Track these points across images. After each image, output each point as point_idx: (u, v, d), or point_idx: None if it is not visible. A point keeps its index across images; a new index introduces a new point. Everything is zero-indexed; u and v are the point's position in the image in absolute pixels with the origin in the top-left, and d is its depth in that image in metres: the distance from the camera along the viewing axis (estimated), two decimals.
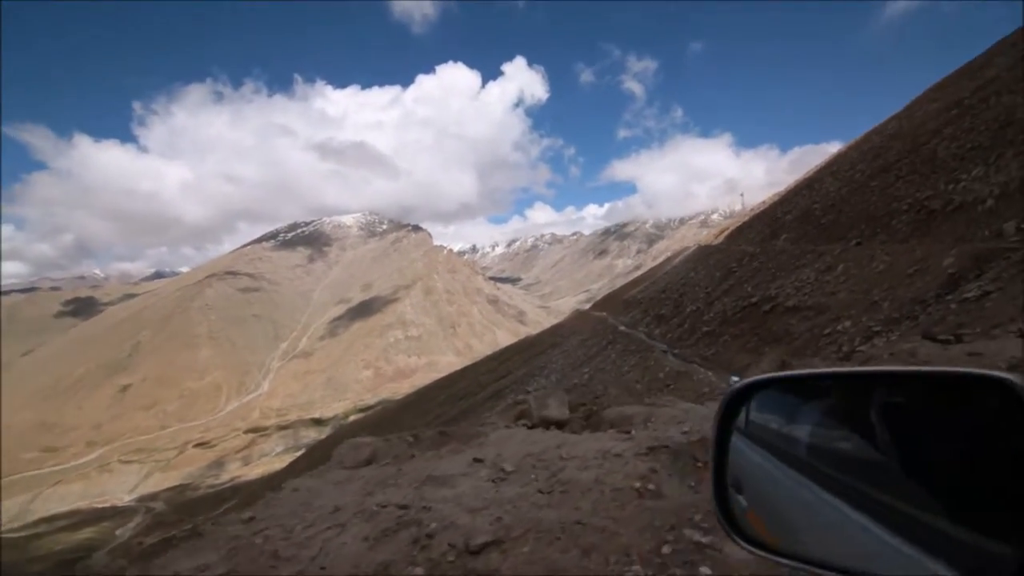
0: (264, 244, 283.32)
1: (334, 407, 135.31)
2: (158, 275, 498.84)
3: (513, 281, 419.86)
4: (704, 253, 42.65)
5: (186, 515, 75.49)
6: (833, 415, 0.97)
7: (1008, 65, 25.94)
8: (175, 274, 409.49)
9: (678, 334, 23.30)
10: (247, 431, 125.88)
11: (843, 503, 0.84)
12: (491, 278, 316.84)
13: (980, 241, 12.99)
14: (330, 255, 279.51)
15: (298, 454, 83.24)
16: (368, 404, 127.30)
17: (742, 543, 1.03)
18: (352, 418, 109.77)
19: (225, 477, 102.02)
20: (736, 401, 1.18)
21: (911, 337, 7.81)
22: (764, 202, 52.44)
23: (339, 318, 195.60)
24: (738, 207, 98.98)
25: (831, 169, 36.40)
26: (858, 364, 9.54)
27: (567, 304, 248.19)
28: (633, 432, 5.73)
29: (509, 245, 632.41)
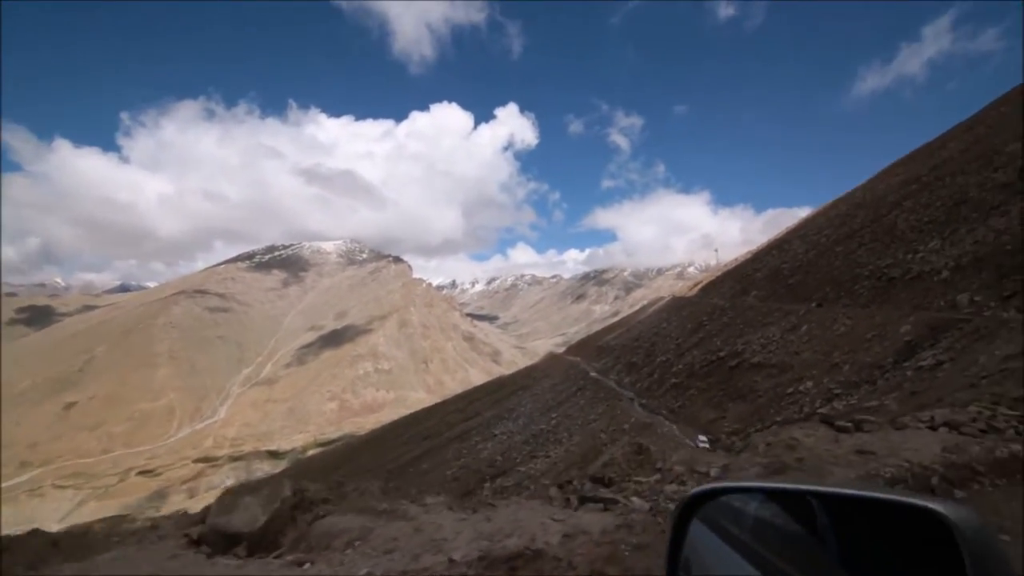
0: (239, 264, 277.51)
1: (293, 439, 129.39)
2: (123, 288, 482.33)
3: (491, 319, 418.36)
4: (677, 304, 43.25)
5: None
6: (778, 525, 1.04)
7: (961, 149, 27.90)
8: (142, 288, 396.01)
9: (647, 384, 23.15)
10: (197, 460, 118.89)
11: None
12: (469, 315, 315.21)
13: (936, 310, 13.38)
14: (306, 280, 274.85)
15: None
16: (330, 438, 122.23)
17: None
18: (311, 452, 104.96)
19: (166, 510, 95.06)
20: (688, 509, 1.28)
21: (806, 423, 7.49)
22: (737, 259, 54.07)
23: (308, 345, 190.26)
24: (713, 262, 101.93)
25: (800, 232, 37.89)
26: (818, 424, 9.46)
27: (543, 346, 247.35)
28: (308, 567, 4.52)
29: (489, 283, 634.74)
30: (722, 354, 19.13)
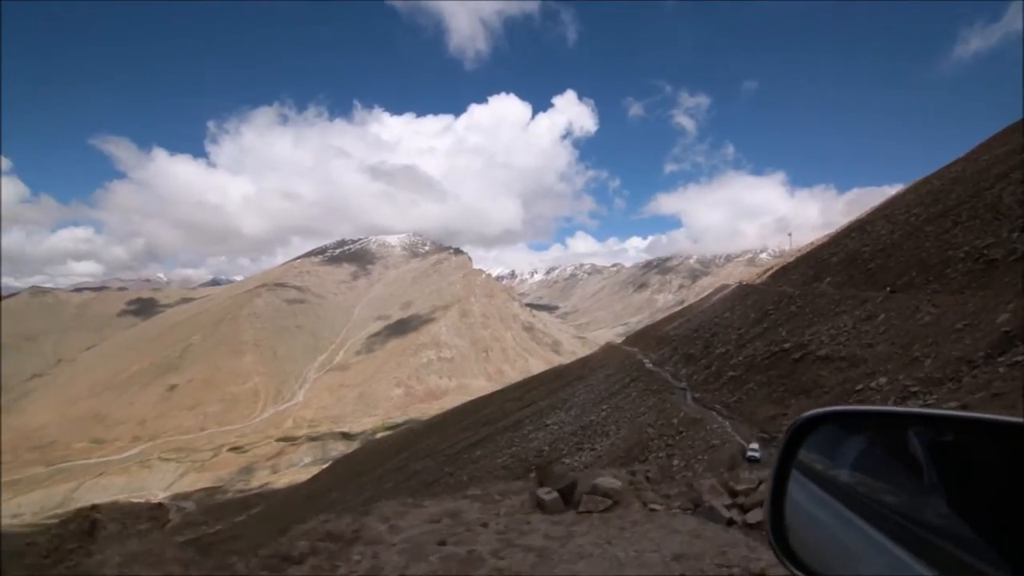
0: (313, 259, 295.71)
1: (363, 422, 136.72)
2: (215, 282, 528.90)
3: (550, 309, 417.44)
4: (743, 292, 40.67)
5: (213, 518, 77.18)
6: (893, 454, 0.95)
7: None
8: (230, 282, 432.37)
9: (703, 376, 21.91)
10: (279, 439, 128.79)
11: (894, 543, 0.84)
12: (528, 305, 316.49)
13: None
14: (373, 273, 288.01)
15: (324, 466, 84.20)
16: (396, 422, 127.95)
17: (794, 569, 1.03)
18: (380, 435, 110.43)
19: (254, 483, 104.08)
20: (802, 431, 1.17)
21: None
22: (813, 243, 49.91)
23: (376, 334, 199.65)
24: (787, 247, 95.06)
25: (885, 212, 34.20)
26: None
27: (604, 336, 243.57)
28: None
29: (548, 272, 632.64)
30: (787, 346, 17.62)
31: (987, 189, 21.44)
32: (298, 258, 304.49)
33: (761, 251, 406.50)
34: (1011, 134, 30.73)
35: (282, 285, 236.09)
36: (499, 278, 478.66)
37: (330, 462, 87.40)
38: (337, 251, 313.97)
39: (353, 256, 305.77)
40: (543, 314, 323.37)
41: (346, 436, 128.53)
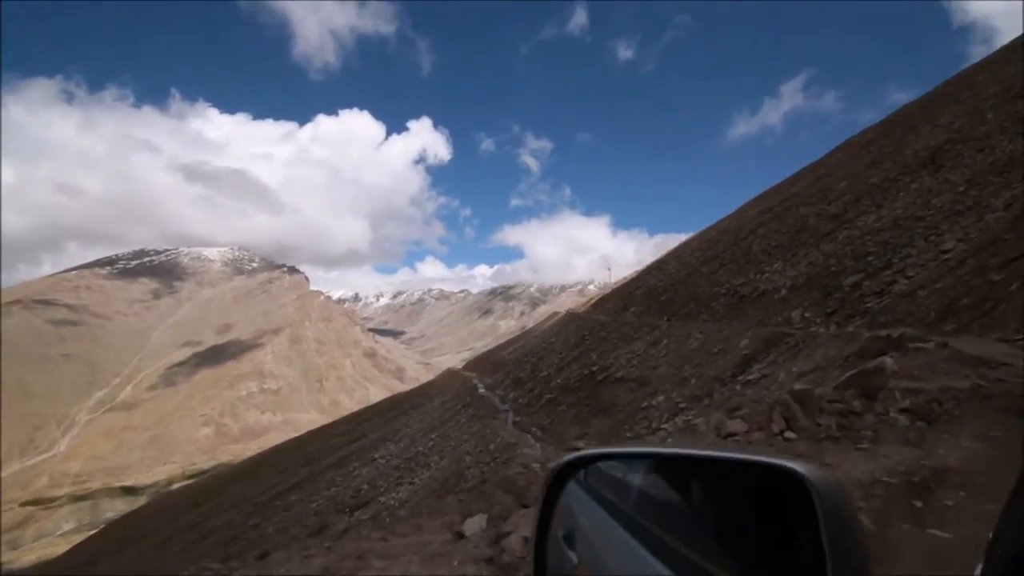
0: (97, 271, 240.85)
1: (155, 472, 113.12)
2: None
3: (396, 334, 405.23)
4: (568, 320, 44.26)
5: None
6: (651, 487, 1.01)
7: (805, 185, 31.85)
8: None
9: (527, 400, 22.76)
10: (25, 504, 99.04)
11: (666, 567, 0.86)
12: (372, 330, 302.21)
13: (774, 325, 14.36)
14: (182, 291, 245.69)
15: (91, 532, 66.57)
16: (201, 469, 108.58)
17: None
18: (176, 486, 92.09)
19: None
20: (562, 475, 1.19)
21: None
22: (626, 277, 57.33)
23: (180, 364, 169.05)
24: (608, 280, 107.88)
25: (677, 254, 40.76)
26: (662, 439, 9.33)
27: (449, 361, 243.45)
28: None
29: (395, 297, 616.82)
30: (594, 368, 19.27)
31: (743, 239, 26.82)
32: (75, 268, 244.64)
33: (589, 283, 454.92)
34: (761, 199, 39.47)
35: (47, 302, 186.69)
36: (341, 301, 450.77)
37: (103, 525, 69.75)
38: (134, 263, 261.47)
39: (155, 270, 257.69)
40: (387, 340, 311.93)
41: (129, 491, 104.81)
